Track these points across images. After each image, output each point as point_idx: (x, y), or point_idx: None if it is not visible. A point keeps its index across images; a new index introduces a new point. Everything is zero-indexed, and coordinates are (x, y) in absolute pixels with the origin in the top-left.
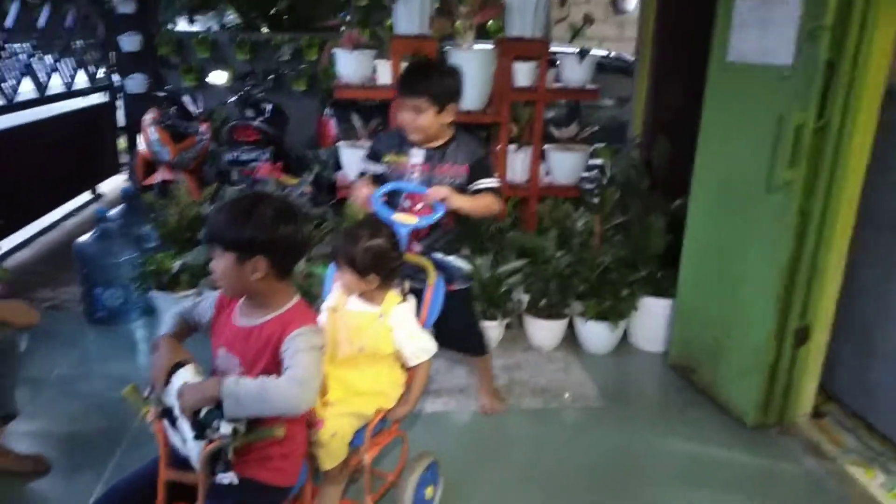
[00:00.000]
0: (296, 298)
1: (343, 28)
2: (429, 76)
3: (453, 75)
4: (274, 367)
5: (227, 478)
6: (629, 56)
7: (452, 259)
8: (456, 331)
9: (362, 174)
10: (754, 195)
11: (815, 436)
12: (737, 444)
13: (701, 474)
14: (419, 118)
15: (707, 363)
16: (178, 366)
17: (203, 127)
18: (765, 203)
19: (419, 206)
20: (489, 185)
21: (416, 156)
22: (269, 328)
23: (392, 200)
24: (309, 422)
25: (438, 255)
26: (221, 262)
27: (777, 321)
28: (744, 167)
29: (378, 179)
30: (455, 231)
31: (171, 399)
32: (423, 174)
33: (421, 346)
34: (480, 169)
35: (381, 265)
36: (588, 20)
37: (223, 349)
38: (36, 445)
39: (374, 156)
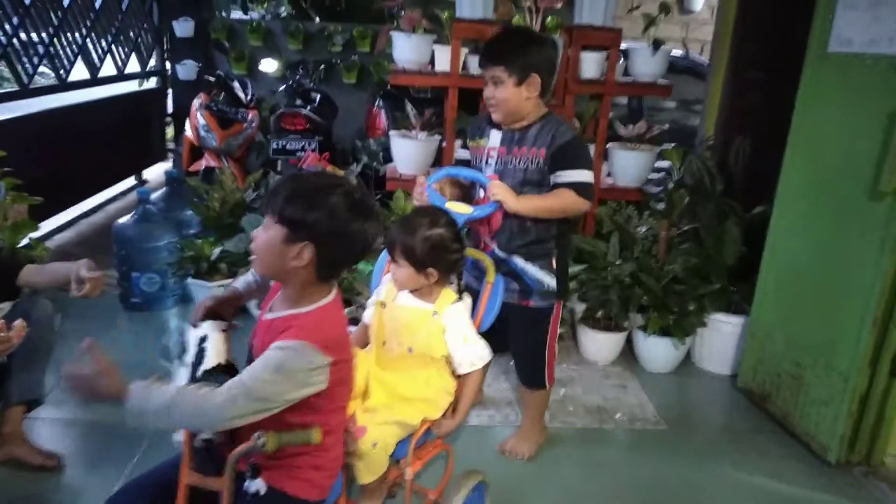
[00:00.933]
0: (324, 301)
1: (402, 11)
2: (510, 43)
3: (542, 44)
4: None
5: (255, 485)
6: (697, 56)
7: (533, 268)
8: (519, 353)
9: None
10: (854, 203)
11: None
12: (816, 481)
13: None
14: (497, 91)
15: (784, 389)
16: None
17: (251, 114)
18: (866, 212)
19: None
20: (570, 180)
21: (494, 138)
22: (280, 325)
23: (470, 192)
24: (348, 429)
25: (518, 261)
26: (268, 234)
27: (873, 346)
28: (843, 171)
29: (463, 165)
30: (537, 232)
31: (189, 342)
32: (499, 158)
33: (475, 352)
34: (562, 158)
35: (441, 258)
36: (665, 9)
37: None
38: (57, 433)
39: (465, 142)
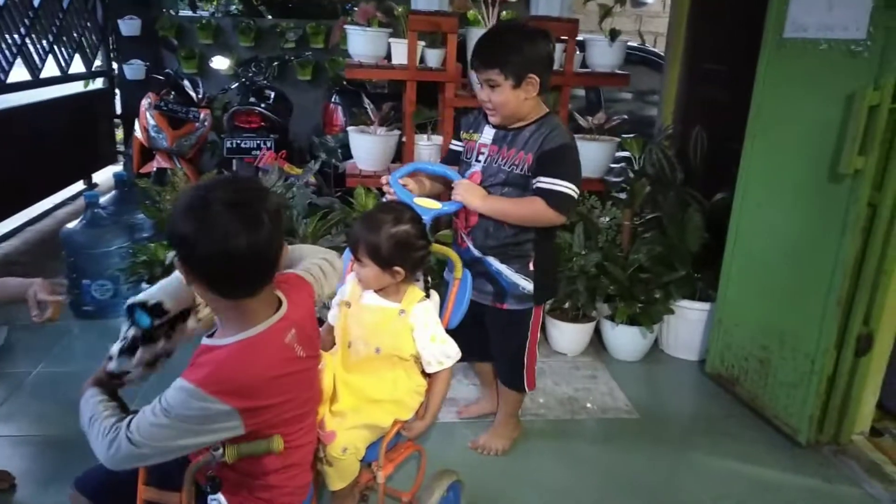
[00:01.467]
0: (242, 335)
1: (354, 7)
2: (503, 44)
3: (536, 41)
4: None
5: (216, 500)
6: (651, 47)
7: (508, 270)
8: (497, 354)
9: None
10: (814, 186)
11: (875, 456)
12: (788, 463)
13: (750, 496)
14: (494, 95)
15: (752, 373)
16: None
17: (203, 113)
18: (827, 194)
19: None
20: (546, 188)
21: (487, 134)
22: (195, 354)
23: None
24: (318, 436)
25: (493, 262)
26: None
27: (837, 327)
28: (802, 155)
29: (452, 158)
30: (514, 234)
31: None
32: (489, 156)
33: (443, 350)
34: (545, 164)
35: (407, 255)
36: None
37: None
38: (7, 452)
39: (457, 134)
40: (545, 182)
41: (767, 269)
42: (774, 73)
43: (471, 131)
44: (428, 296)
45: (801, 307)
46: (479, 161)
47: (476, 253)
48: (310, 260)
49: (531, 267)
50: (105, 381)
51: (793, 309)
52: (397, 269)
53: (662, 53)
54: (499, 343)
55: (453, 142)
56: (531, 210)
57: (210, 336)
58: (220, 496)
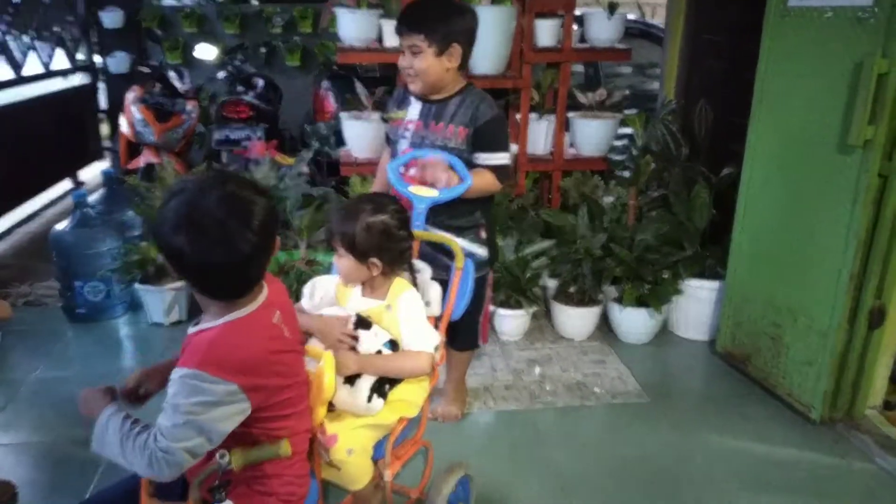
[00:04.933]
0: (229, 317)
1: None
2: (430, 11)
3: (462, 13)
4: None
5: None
6: (651, 20)
7: (464, 242)
8: (456, 322)
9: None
10: (824, 157)
11: (888, 430)
12: (802, 440)
13: (765, 474)
14: (416, 61)
15: (764, 351)
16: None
17: (190, 105)
18: (837, 166)
19: (411, 171)
20: (490, 163)
21: (413, 110)
22: (185, 343)
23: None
24: (319, 440)
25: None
26: None
27: (850, 301)
28: (810, 127)
29: (388, 141)
30: (469, 207)
31: None
32: (415, 133)
33: (416, 334)
34: (485, 138)
35: (386, 247)
36: None
37: None
38: (8, 460)
39: (386, 116)
40: (490, 157)
41: (777, 244)
42: (779, 43)
43: (395, 109)
44: (415, 284)
45: (813, 282)
46: (406, 138)
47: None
48: None
49: (483, 235)
50: (124, 396)
51: (804, 284)
52: (374, 261)
53: (663, 25)
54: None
55: (385, 126)
56: (486, 183)
57: (195, 325)
58: (228, 502)
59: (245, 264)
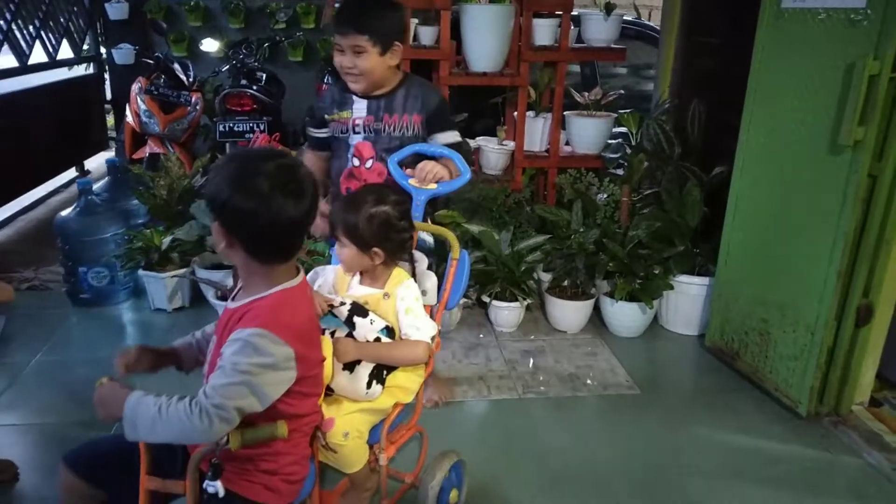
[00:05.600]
0: (283, 286)
1: None
2: (369, 10)
3: (397, 10)
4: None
5: (213, 487)
6: (647, 21)
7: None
8: None
9: (307, 140)
10: (815, 157)
11: (874, 426)
12: (790, 434)
13: (752, 468)
14: (360, 61)
15: (752, 346)
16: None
17: (195, 97)
18: (827, 166)
19: (368, 163)
20: (449, 141)
21: (359, 107)
22: (238, 313)
23: (342, 157)
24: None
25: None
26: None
27: (838, 299)
28: (802, 127)
29: (322, 145)
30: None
31: None
32: (367, 126)
33: (414, 322)
34: (439, 120)
35: (387, 237)
36: None
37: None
38: (9, 441)
39: (318, 121)
40: (448, 136)
41: (767, 242)
42: (773, 44)
43: (337, 110)
44: (414, 275)
45: (801, 279)
46: (359, 133)
47: None
48: None
49: (428, 222)
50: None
51: (792, 281)
52: (376, 250)
53: (658, 27)
54: None
55: (313, 131)
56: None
57: (234, 300)
58: (217, 483)
59: (302, 224)
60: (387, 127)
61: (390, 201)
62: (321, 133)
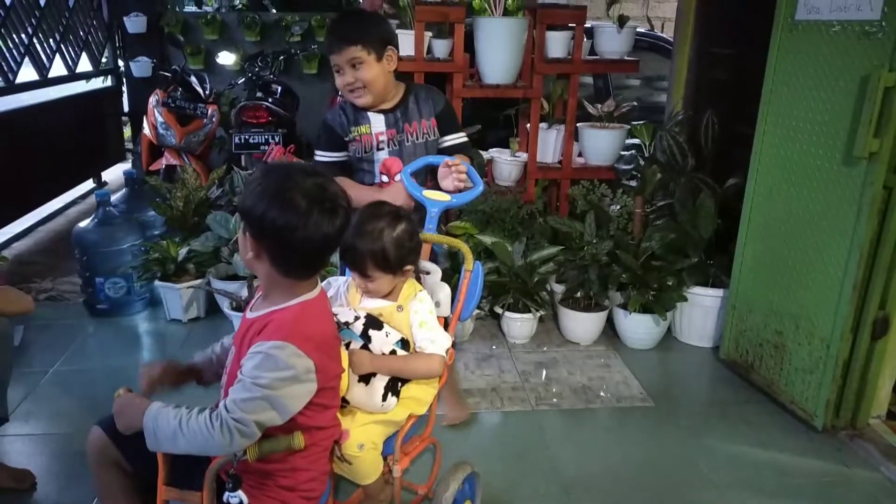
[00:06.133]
0: (304, 297)
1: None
2: (355, 23)
3: (381, 20)
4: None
5: (236, 497)
6: (660, 33)
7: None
8: None
9: (320, 167)
10: (829, 169)
11: (892, 439)
12: (805, 448)
13: (767, 481)
14: (360, 73)
15: (767, 359)
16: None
17: (211, 109)
18: (842, 178)
19: (397, 177)
20: (460, 141)
21: (377, 122)
22: (259, 323)
23: (364, 177)
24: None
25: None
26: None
27: (853, 311)
28: (816, 139)
29: (337, 169)
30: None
31: None
32: (392, 143)
33: (429, 336)
34: (447, 121)
35: (410, 251)
36: None
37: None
38: (27, 450)
39: (335, 143)
40: (456, 137)
41: (781, 254)
42: (786, 56)
43: (354, 126)
44: (418, 278)
45: (816, 292)
46: (383, 150)
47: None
48: None
49: (442, 227)
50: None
51: (808, 293)
52: (408, 268)
53: (671, 39)
54: None
55: (325, 154)
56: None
57: (253, 310)
58: (240, 493)
59: (334, 241)
60: (409, 136)
61: (399, 217)
62: (338, 156)
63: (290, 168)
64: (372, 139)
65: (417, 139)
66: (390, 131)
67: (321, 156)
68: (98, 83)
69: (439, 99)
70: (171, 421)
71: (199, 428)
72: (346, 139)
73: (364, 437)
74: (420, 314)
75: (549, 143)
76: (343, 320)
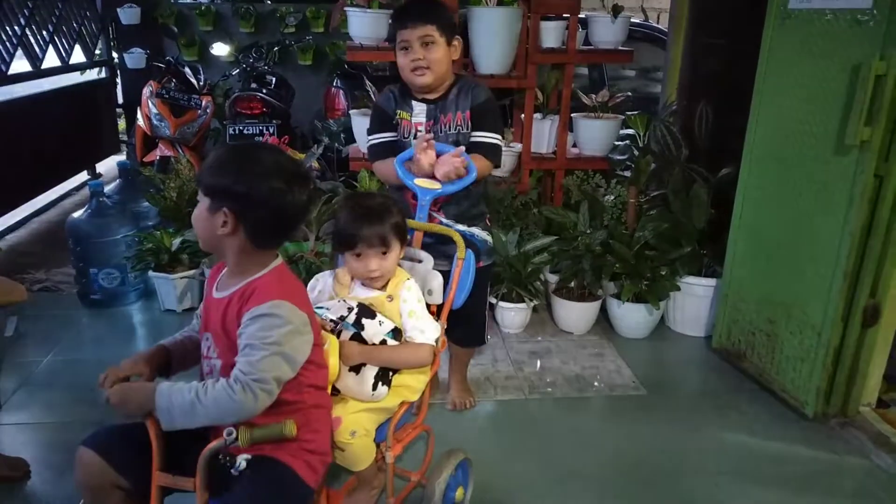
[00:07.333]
0: (273, 264)
1: None
2: (434, 4)
3: (449, 10)
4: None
5: (241, 462)
6: (654, 23)
7: (477, 230)
8: (463, 315)
9: (373, 149)
10: (821, 158)
11: (882, 427)
12: (797, 436)
13: (759, 469)
14: (429, 52)
15: (759, 347)
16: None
17: (205, 101)
18: (833, 166)
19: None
20: (485, 141)
21: (418, 111)
22: (239, 296)
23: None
24: None
25: (461, 228)
26: (198, 207)
27: (844, 299)
28: (808, 127)
29: (395, 149)
30: (475, 199)
31: None
32: (426, 131)
33: (417, 325)
34: (481, 115)
35: (404, 231)
36: None
37: (205, 330)
38: (20, 441)
39: (387, 123)
40: (483, 136)
41: (773, 243)
42: (779, 45)
43: (398, 110)
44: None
45: (808, 280)
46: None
47: (455, 225)
48: None
49: (488, 222)
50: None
51: (799, 282)
52: (399, 249)
53: (666, 29)
54: (473, 303)
55: (377, 136)
56: (483, 166)
57: (218, 290)
58: (241, 456)
59: (307, 209)
60: (443, 127)
61: (388, 199)
62: (391, 136)
63: (251, 143)
64: (411, 126)
65: (450, 130)
66: (428, 122)
67: (374, 138)
68: (92, 75)
69: (480, 93)
70: (187, 394)
71: (219, 395)
72: (397, 117)
73: (356, 424)
74: (409, 303)
75: (543, 134)
76: (337, 315)
